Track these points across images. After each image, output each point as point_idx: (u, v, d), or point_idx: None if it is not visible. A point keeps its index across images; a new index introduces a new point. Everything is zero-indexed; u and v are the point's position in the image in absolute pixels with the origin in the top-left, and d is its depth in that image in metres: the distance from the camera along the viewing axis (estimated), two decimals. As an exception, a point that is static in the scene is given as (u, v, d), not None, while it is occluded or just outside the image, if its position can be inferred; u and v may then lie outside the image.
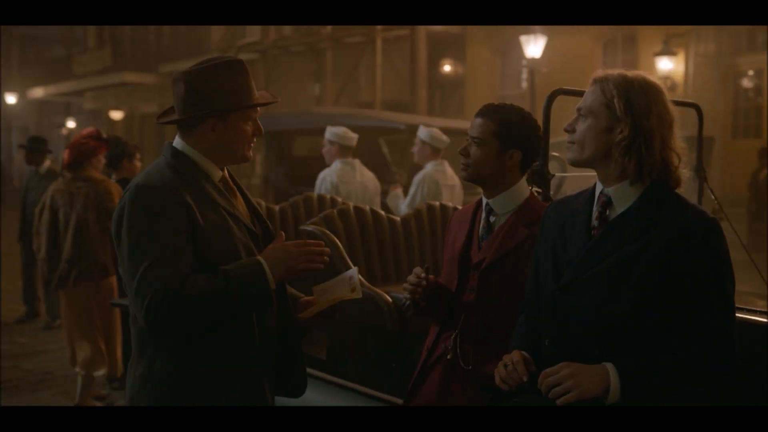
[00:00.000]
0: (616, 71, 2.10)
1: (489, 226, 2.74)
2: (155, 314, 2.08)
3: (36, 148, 7.36)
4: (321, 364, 3.80)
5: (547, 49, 13.87)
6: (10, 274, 9.49)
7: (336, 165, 6.09)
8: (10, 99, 29.95)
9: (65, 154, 5.40)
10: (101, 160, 5.54)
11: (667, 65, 14.32)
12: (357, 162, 6.21)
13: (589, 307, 2.06)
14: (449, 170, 6.24)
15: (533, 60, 13.74)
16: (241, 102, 2.29)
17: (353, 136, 6.18)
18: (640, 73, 2.10)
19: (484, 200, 2.77)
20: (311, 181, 6.48)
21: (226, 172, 2.42)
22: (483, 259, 2.68)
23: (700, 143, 3.77)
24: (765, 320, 2.54)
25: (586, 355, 2.02)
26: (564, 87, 3.10)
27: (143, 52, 25.88)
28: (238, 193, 2.44)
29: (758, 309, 2.60)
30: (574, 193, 2.29)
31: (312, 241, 2.35)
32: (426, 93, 15.92)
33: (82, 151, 5.33)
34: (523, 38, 13.74)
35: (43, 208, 5.42)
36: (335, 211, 4.01)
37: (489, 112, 2.72)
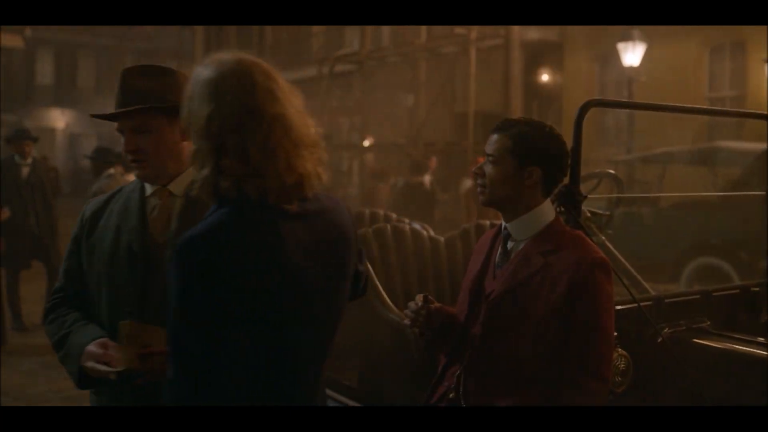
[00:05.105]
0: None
1: (506, 252, 2.49)
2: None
3: (101, 158, 7.24)
4: (352, 392, 3.62)
5: (649, 56, 13.27)
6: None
7: None
8: (123, 110, 31.20)
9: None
10: None
11: (777, 72, 13.45)
12: None
13: None
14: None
15: (631, 68, 13.17)
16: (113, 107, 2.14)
17: None
18: None
19: (503, 224, 2.52)
20: None
21: (172, 186, 2.16)
22: (494, 290, 2.43)
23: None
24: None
25: None
26: (599, 98, 2.82)
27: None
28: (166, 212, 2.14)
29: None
30: None
31: (148, 350, 1.98)
32: (522, 103, 15.49)
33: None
34: (620, 45, 13.21)
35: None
36: (371, 230, 3.79)
37: (505, 126, 2.47)
